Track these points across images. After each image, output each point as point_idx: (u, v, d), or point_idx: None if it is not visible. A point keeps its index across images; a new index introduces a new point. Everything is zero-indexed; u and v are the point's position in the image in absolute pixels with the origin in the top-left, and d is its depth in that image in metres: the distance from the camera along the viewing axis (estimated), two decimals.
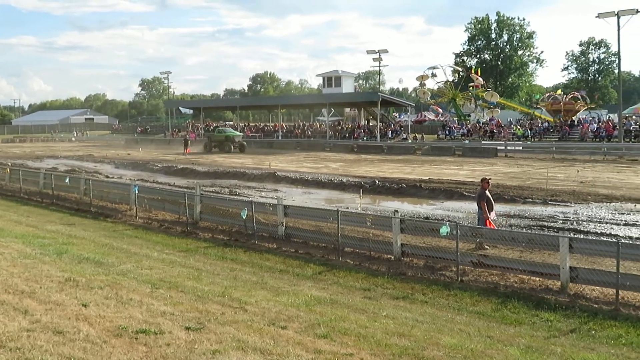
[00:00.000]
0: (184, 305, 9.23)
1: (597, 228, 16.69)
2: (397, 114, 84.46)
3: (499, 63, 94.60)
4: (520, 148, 46.27)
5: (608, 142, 46.50)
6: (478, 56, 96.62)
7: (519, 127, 57.01)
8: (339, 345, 7.58)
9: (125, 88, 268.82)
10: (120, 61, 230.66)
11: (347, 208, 19.11)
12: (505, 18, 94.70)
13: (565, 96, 60.36)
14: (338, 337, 7.89)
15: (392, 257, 13.22)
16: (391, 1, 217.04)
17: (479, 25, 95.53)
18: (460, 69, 71.10)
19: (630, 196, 21.82)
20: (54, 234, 16.65)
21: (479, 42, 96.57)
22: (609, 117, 62.07)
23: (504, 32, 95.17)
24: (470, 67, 75.16)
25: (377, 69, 76.35)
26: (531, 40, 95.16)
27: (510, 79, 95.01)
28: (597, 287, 10.49)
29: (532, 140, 52.11)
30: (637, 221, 17.57)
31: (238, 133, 58.03)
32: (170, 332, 7.77)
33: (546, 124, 57.93)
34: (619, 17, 44.02)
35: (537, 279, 11.23)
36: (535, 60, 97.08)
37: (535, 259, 11.88)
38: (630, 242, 13.23)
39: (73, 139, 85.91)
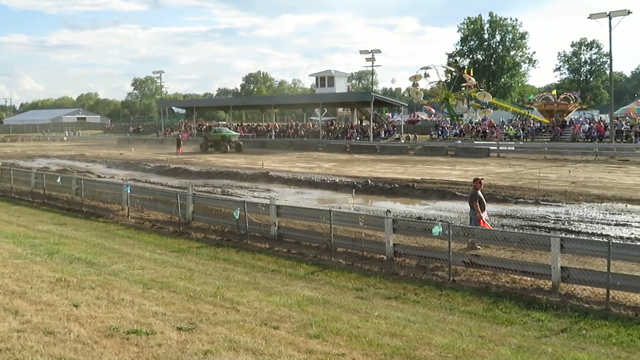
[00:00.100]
0: (175, 306, 9.21)
1: (588, 228, 16.77)
2: (390, 114, 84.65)
3: (492, 63, 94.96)
4: (513, 148, 46.45)
5: (600, 143, 46.77)
6: (471, 56, 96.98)
7: (511, 127, 57.24)
8: (331, 345, 7.59)
9: (117, 87, 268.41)
10: (112, 60, 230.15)
11: (340, 208, 19.13)
12: (497, 18, 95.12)
13: (558, 97, 60.69)
14: (330, 337, 7.89)
15: (385, 257, 13.23)
16: (384, 1, 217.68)
17: (472, 26, 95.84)
18: (453, 69, 71.25)
19: (621, 196, 21.94)
20: (45, 234, 16.56)
21: (472, 43, 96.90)
22: (600, 117, 62.39)
23: (497, 33, 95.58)
24: (463, 68, 75.39)
25: (370, 69, 76.30)
26: (523, 40, 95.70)
27: (502, 79, 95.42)
28: (588, 287, 10.53)
29: (524, 140, 52.34)
30: (628, 221, 17.67)
31: (234, 133, 57.61)
32: (162, 332, 7.75)
33: (538, 124, 58.18)
34: (610, 18, 44.23)
35: (529, 278, 11.27)
36: (527, 61, 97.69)
37: (527, 259, 11.92)
38: (621, 242, 13.30)
39: (65, 138, 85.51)
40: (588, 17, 45.49)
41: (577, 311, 9.65)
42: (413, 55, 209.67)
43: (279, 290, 10.75)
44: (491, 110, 63.75)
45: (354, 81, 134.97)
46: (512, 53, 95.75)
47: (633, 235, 15.65)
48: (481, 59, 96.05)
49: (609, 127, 48.61)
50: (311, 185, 28.32)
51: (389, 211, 13.88)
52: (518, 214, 19.20)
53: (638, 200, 21.08)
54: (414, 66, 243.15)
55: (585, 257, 11.53)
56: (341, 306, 9.83)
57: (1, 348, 6.94)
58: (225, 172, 33.44)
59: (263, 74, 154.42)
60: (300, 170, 34.52)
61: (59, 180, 23.91)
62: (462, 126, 60.04)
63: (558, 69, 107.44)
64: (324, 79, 72.33)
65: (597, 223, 17.54)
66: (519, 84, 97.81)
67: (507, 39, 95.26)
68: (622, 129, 49.56)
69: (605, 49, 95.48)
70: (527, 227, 16.70)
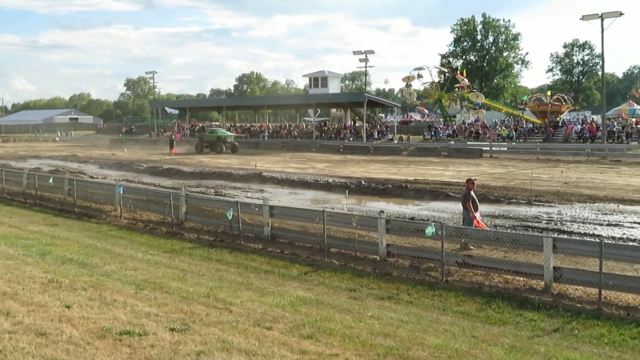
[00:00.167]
0: (168, 307, 9.18)
1: (580, 228, 16.83)
2: (383, 115, 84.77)
3: (485, 64, 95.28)
4: (505, 149, 46.64)
5: (592, 143, 47.01)
6: (464, 57, 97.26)
7: (504, 128, 57.44)
8: (324, 345, 7.58)
9: (110, 88, 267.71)
10: (105, 60, 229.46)
11: (333, 208, 19.12)
12: (490, 20, 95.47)
13: (551, 97, 60.96)
14: (323, 338, 7.89)
15: (378, 258, 13.24)
16: (377, 2, 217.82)
17: (465, 27, 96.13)
18: (446, 70, 71.44)
19: (613, 197, 22.04)
20: (37, 234, 16.49)
21: (465, 44, 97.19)
22: (592, 118, 62.71)
23: (490, 34, 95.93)
24: (456, 68, 75.67)
25: (364, 69, 76.32)
26: (516, 41, 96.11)
27: (495, 80, 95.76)
28: (580, 287, 10.57)
29: (517, 141, 52.55)
30: (620, 221, 17.75)
31: (230, 133, 57.39)
32: (155, 333, 7.72)
33: (531, 125, 58.40)
34: (602, 20, 44.47)
35: (522, 279, 11.30)
36: (520, 62, 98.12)
37: (520, 259, 11.96)
38: (613, 242, 13.36)
39: (57, 139, 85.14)
40: (580, 19, 45.79)
41: (569, 311, 9.68)
42: (406, 56, 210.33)
43: (272, 291, 10.74)
44: (484, 111, 63.97)
45: (347, 82, 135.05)
46: (504, 54, 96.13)
47: (625, 236, 15.71)
48: (474, 59, 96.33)
49: (601, 128, 48.85)
50: (304, 185, 28.31)
51: (382, 212, 13.89)
52: (511, 215, 19.25)
53: (630, 201, 21.19)
54: (407, 67, 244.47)
55: (578, 257, 11.58)
56: (334, 306, 9.83)
57: None
58: (218, 173, 33.39)
59: (256, 74, 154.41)
60: (293, 170, 34.50)
61: (51, 180, 23.82)
62: (455, 127, 60.19)
63: (550, 70, 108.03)
64: (317, 80, 72.39)
65: (589, 223, 17.62)
66: (512, 85, 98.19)
67: (500, 40, 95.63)
68: (614, 129, 49.81)
69: (598, 50, 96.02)
70: (519, 228, 16.75)
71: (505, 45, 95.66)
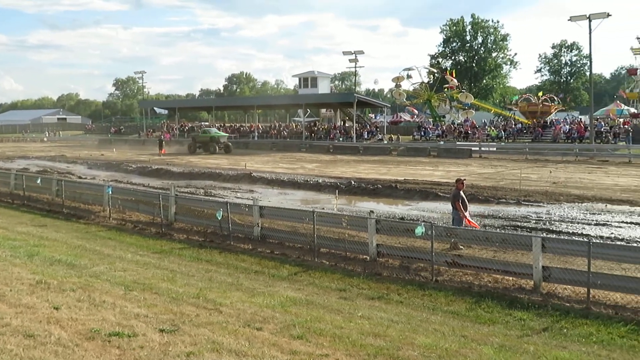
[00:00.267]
0: (158, 307, 9.14)
1: (569, 228, 16.94)
2: (373, 115, 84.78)
3: (474, 65, 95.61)
4: (494, 149, 46.85)
5: (580, 144, 47.33)
6: (453, 58, 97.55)
7: (493, 128, 57.69)
8: (315, 346, 7.58)
9: (99, 88, 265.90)
10: (93, 60, 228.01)
11: (323, 209, 19.10)
12: (479, 20, 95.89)
13: (541, 98, 61.28)
14: (313, 338, 7.89)
15: (368, 258, 13.25)
16: (367, 2, 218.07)
17: (454, 28, 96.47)
18: (435, 71, 71.53)
19: (601, 196, 22.20)
20: (24, 235, 16.36)
21: (454, 44, 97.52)
22: (580, 118, 63.10)
23: (479, 35, 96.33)
24: (445, 69, 75.71)
25: (353, 69, 76.84)
26: (505, 42, 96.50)
27: (484, 81, 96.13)
28: (569, 286, 10.63)
29: (506, 141, 52.79)
30: (608, 221, 17.88)
31: (223, 134, 56.70)
32: (144, 334, 7.68)
33: (520, 125, 58.70)
34: (590, 21, 44.79)
35: (511, 278, 11.34)
36: (509, 62, 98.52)
37: (509, 259, 12.00)
38: (601, 241, 13.42)
39: (45, 139, 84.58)
40: (568, 20, 46.10)
41: (558, 310, 9.74)
42: (396, 56, 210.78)
43: (262, 291, 10.72)
44: (473, 112, 64.17)
45: (337, 82, 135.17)
46: (493, 55, 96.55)
47: (613, 235, 15.84)
48: (463, 60, 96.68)
49: (589, 128, 49.19)
50: (294, 186, 28.30)
51: (372, 212, 13.90)
52: (500, 214, 19.33)
53: (617, 200, 21.35)
54: (396, 67, 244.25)
55: (566, 257, 11.64)
56: (324, 307, 9.82)
57: None
58: (207, 173, 33.31)
59: (246, 74, 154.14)
60: (283, 171, 34.49)
61: (39, 181, 23.66)
62: (444, 127, 60.40)
63: (539, 70, 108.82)
64: (307, 80, 72.31)
65: (578, 223, 17.74)
66: (501, 86, 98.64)
67: (489, 41, 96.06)
68: (602, 129, 50.18)
69: (585, 51, 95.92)
70: (509, 227, 16.82)
71: (494, 46, 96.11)
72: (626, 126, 50.73)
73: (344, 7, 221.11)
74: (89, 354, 6.94)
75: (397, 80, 66.03)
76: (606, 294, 10.31)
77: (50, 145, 69.80)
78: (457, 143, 51.67)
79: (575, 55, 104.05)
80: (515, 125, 58.65)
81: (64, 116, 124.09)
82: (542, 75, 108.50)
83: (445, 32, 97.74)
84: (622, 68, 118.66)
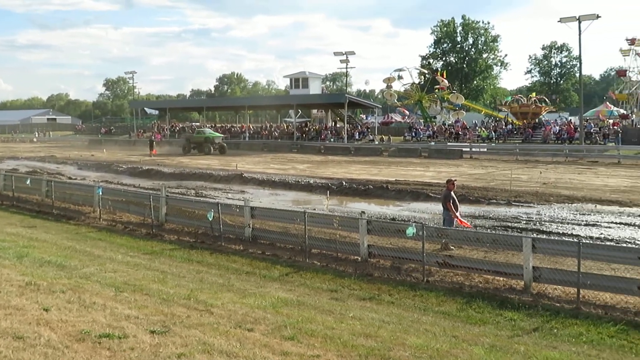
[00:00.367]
0: (148, 309, 9.10)
1: (559, 228, 17.02)
2: (364, 116, 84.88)
3: (464, 66, 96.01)
4: (485, 150, 47.04)
5: (569, 144, 47.60)
6: (444, 59, 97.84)
7: (483, 129, 57.91)
8: (306, 346, 7.58)
9: (89, 88, 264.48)
10: (83, 60, 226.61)
11: (315, 209, 19.10)
12: (470, 21, 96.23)
13: (533, 99, 61.56)
14: (305, 339, 7.88)
15: (359, 258, 13.26)
16: (357, 3, 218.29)
17: (445, 29, 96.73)
18: (426, 72, 71.78)
19: (591, 197, 22.33)
20: (14, 236, 16.25)
21: (445, 45, 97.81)
22: (570, 119, 63.42)
23: (469, 36, 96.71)
24: (436, 70, 76.07)
25: (344, 70, 76.84)
26: (495, 43, 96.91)
27: (475, 82, 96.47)
28: (559, 286, 10.69)
29: (497, 142, 52.99)
30: (597, 221, 17.98)
31: (218, 134, 56.12)
32: (135, 336, 7.65)
33: (510, 125, 58.96)
34: (580, 22, 45.12)
35: (501, 278, 11.39)
36: (499, 64, 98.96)
37: (500, 259, 12.06)
38: (591, 242, 13.53)
39: (35, 139, 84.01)
40: (558, 21, 46.51)
41: (548, 310, 9.79)
42: (387, 57, 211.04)
43: (254, 292, 10.70)
44: (464, 112, 64.40)
45: (328, 83, 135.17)
46: (484, 56, 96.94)
47: (602, 235, 15.93)
48: (454, 61, 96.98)
49: (579, 129, 49.49)
50: (285, 186, 28.28)
51: (363, 212, 13.93)
52: (490, 215, 19.40)
53: (607, 201, 21.48)
54: (387, 68, 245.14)
55: (556, 257, 11.70)
56: (316, 307, 9.82)
57: None
58: (198, 174, 33.22)
59: (237, 75, 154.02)
60: (274, 171, 34.46)
61: (28, 182, 23.52)
62: (435, 128, 60.58)
63: (529, 71, 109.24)
64: (298, 81, 72.30)
65: (568, 223, 17.82)
66: (491, 87, 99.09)
67: (480, 42, 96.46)
68: (592, 130, 50.49)
69: (575, 52, 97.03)
70: (499, 228, 16.87)
71: (484, 47, 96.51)
72: (615, 127, 51.04)
73: (334, 7, 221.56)
74: (79, 355, 6.91)
75: (388, 81, 66.22)
76: (596, 294, 10.38)
77: (39, 146, 69.37)
78: (448, 144, 51.85)
79: (565, 57, 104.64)
80: (505, 126, 58.91)
81: (54, 116, 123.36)
82: (532, 77, 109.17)
83: (436, 33, 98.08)
84: (611, 69, 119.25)
